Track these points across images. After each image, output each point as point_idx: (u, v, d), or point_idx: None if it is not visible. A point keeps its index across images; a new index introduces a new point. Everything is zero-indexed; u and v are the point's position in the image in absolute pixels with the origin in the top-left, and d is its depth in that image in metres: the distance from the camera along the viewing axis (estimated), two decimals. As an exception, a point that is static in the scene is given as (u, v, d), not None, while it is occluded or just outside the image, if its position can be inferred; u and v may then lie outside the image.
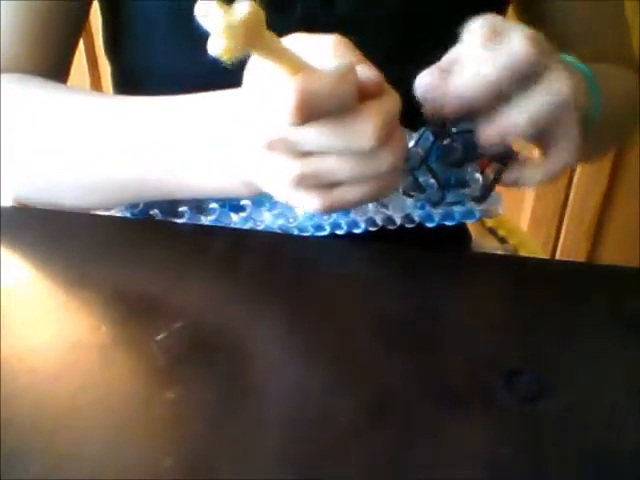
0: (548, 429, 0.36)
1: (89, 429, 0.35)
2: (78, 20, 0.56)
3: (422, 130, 0.45)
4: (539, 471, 0.34)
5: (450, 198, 0.46)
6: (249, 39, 0.32)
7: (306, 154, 0.39)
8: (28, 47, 0.54)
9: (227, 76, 0.52)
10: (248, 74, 0.41)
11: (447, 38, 0.52)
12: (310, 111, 0.35)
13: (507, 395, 0.37)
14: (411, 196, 0.47)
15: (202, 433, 0.35)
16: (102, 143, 0.48)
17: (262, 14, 0.32)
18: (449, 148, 0.45)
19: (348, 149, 0.38)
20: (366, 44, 0.53)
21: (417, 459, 0.34)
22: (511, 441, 0.35)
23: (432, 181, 0.45)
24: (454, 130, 0.44)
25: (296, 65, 0.35)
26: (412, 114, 0.44)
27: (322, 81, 0.35)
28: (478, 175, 0.46)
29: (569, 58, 0.49)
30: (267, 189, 0.42)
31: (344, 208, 0.41)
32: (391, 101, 0.38)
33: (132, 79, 0.59)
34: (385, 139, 0.37)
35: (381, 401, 0.37)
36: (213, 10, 0.31)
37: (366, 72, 0.37)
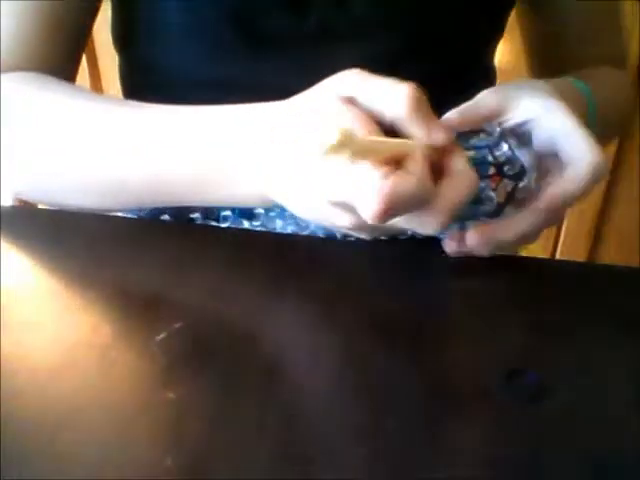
0: (548, 429, 0.36)
1: (89, 429, 0.35)
2: (89, 16, 0.56)
3: None
4: (539, 471, 0.34)
5: (464, 213, 0.46)
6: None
7: None
8: (37, 43, 0.53)
9: (242, 81, 0.52)
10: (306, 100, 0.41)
11: (460, 37, 0.52)
12: (391, 216, 0.36)
13: (507, 395, 0.37)
14: None
15: (202, 433, 0.35)
16: (106, 143, 0.48)
17: (350, 133, 0.33)
18: None
19: (415, 229, 0.40)
20: (381, 44, 0.53)
21: (417, 459, 0.34)
22: (511, 441, 0.35)
23: None
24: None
25: (384, 152, 0.36)
26: None
27: (406, 186, 0.35)
28: (492, 193, 0.46)
29: (574, 82, 0.50)
30: (305, 218, 0.43)
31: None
32: (465, 183, 0.39)
33: (144, 75, 0.59)
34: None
35: (381, 401, 0.37)
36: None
37: (439, 136, 0.38)
